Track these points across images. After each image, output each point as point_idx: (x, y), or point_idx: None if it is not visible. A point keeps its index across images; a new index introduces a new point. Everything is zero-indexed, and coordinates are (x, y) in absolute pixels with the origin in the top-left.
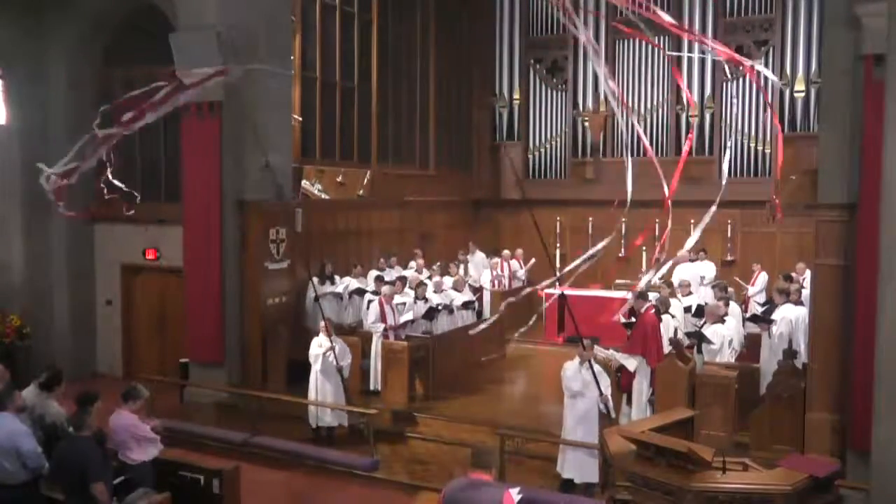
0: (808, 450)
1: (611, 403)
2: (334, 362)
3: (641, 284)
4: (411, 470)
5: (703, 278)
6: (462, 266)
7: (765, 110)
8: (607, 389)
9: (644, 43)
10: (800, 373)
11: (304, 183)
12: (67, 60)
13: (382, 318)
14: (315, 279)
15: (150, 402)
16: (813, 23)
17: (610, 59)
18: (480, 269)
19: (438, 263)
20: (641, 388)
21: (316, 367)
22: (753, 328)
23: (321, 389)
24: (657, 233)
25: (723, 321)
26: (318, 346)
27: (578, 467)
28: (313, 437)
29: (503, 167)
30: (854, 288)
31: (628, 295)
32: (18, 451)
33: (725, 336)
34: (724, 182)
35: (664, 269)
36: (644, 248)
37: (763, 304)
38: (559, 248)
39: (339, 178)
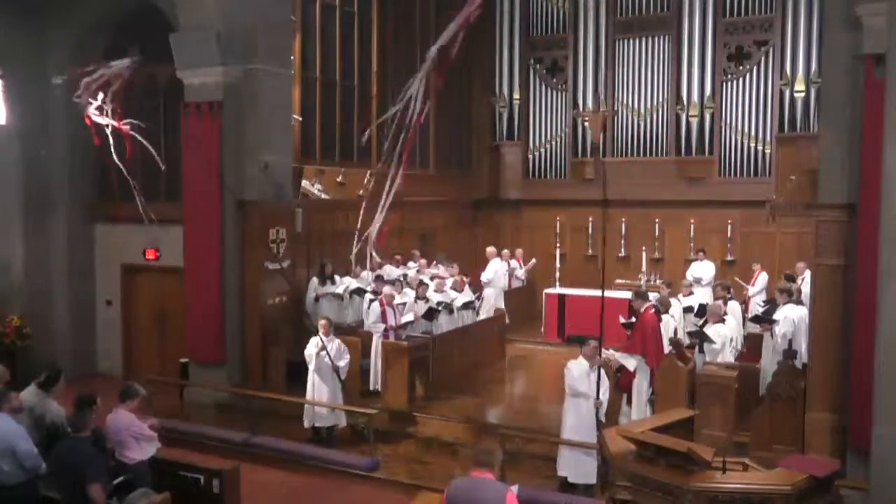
0: (808, 450)
1: (603, 408)
2: (329, 362)
3: None
4: (411, 470)
5: (700, 279)
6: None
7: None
8: (605, 394)
9: (644, 43)
10: (800, 373)
11: (304, 183)
12: (67, 60)
13: (383, 318)
14: (315, 279)
15: (150, 402)
16: (813, 23)
17: (610, 58)
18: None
19: (435, 263)
20: (641, 388)
21: (311, 367)
22: (754, 328)
23: (318, 389)
24: (656, 233)
25: (723, 321)
26: (315, 345)
27: (577, 467)
28: (313, 437)
29: (503, 167)
30: (854, 288)
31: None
32: (15, 451)
33: (727, 335)
34: None
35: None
36: (644, 248)
37: (764, 304)
38: (559, 248)
39: (339, 178)
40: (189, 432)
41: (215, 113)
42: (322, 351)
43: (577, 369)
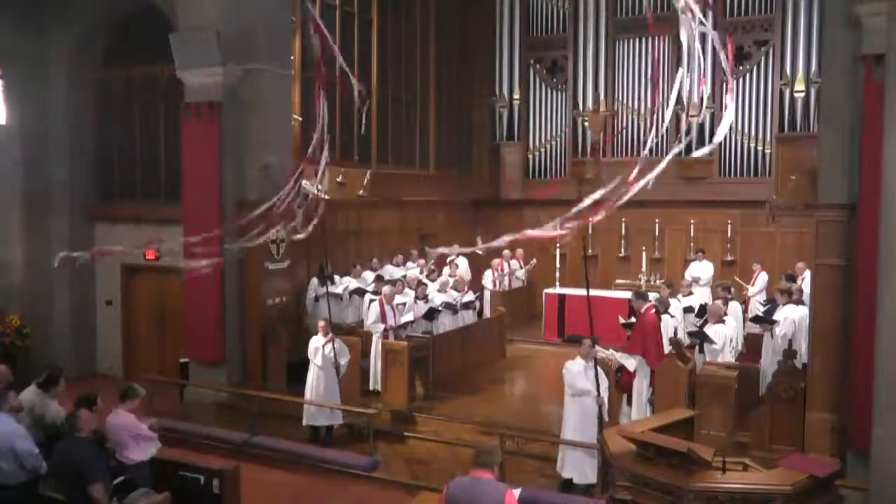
0: (808, 450)
1: (605, 406)
2: (332, 358)
3: None
4: (411, 470)
5: (698, 279)
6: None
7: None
8: (605, 392)
9: (645, 43)
10: (800, 373)
11: (305, 183)
12: (67, 60)
13: (383, 318)
14: (315, 279)
15: (150, 402)
16: (813, 23)
17: (610, 58)
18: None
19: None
20: (641, 388)
21: (317, 362)
22: (754, 328)
23: (316, 388)
24: (656, 233)
25: (723, 321)
26: (318, 341)
27: (578, 467)
28: (312, 437)
29: (503, 167)
30: (854, 288)
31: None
32: (15, 451)
33: (727, 335)
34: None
35: None
36: (644, 248)
37: (765, 305)
38: (559, 249)
39: (339, 178)
40: (189, 432)
41: (215, 113)
42: (329, 344)
43: (576, 367)
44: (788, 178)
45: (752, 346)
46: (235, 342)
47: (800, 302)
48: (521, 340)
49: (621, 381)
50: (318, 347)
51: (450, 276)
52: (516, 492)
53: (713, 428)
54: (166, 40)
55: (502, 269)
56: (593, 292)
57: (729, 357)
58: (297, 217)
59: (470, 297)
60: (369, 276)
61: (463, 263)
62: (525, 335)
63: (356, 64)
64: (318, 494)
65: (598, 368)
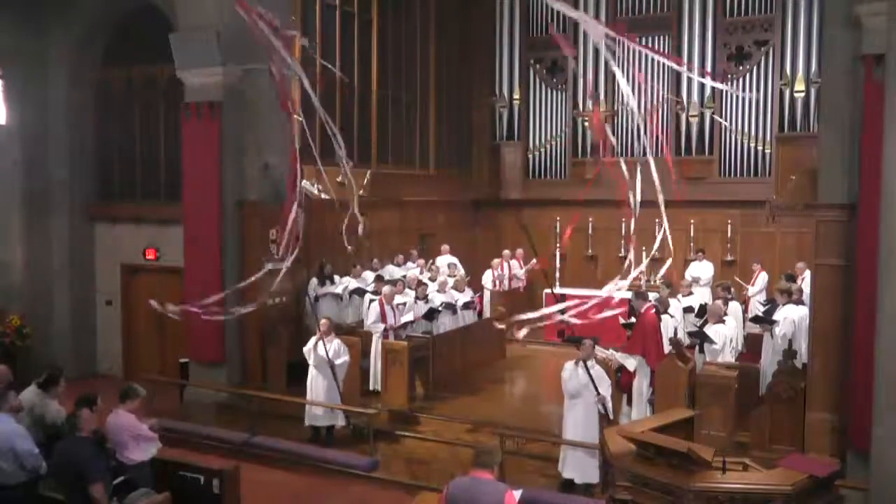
0: (808, 450)
1: (609, 404)
2: (324, 356)
3: None
4: (411, 470)
5: (698, 279)
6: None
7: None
8: (607, 391)
9: (644, 43)
10: (800, 373)
11: (304, 183)
12: (67, 60)
13: (383, 318)
14: (315, 279)
15: (150, 402)
16: (813, 23)
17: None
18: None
19: (428, 261)
20: (641, 388)
21: (311, 362)
22: (754, 328)
23: (314, 388)
24: (657, 233)
25: (723, 321)
26: (312, 341)
27: (579, 467)
28: (312, 437)
29: (503, 167)
30: (854, 288)
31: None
32: (15, 451)
33: (727, 335)
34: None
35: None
36: (644, 248)
37: (765, 304)
38: (559, 249)
39: (339, 179)
40: (189, 432)
41: (215, 113)
42: (319, 342)
43: (567, 371)
44: (788, 178)
45: (752, 346)
46: (235, 342)
47: (800, 302)
48: (521, 340)
49: (621, 381)
50: (311, 348)
51: (450, 276)
52: (517, 493)
53: (713, 428)
54: (166, 40)
55: (502, 270)
56: (593, 292)
57: (729, 357)
58: (300, 221)
59: (469, 296)
60: (369, 276)
61: (446, 259)
62: (525, 335)
63: (356, 64)
64: (318, 494)
65: (596, 367)
